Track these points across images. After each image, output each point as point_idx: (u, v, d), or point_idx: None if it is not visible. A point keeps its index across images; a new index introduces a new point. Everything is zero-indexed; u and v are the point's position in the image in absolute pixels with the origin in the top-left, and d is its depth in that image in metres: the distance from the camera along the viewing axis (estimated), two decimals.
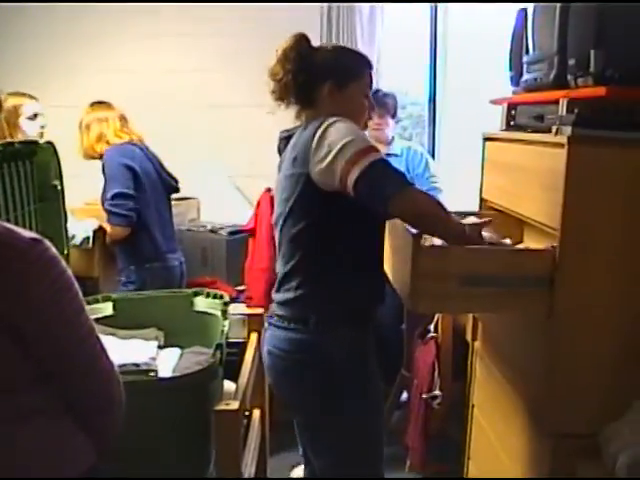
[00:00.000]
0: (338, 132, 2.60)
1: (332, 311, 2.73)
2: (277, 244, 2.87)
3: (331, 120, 2.64)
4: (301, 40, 2.82)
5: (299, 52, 2.79)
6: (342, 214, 2.66)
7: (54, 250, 1.74)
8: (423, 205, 2.51)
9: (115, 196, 4.28)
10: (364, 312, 2.83)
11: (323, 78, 2.78)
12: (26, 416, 1.76)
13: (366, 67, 2.87)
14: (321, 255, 2.73)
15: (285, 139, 2.89)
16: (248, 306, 4.43)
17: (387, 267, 2.90)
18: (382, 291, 2.82)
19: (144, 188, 4.40)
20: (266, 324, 2.93)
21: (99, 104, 4.54)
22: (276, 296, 2.82)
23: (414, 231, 2.50)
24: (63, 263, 1.75)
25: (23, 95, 4.52)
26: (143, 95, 5.63)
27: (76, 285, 1.78)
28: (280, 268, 2.82)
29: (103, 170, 4.38)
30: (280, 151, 2.95)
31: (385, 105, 5.17)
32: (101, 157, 4.43)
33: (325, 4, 5.95)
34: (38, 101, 4.58)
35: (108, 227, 4.38)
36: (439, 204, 2.53)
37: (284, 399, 2.88)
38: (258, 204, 4.83)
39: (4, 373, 1.72)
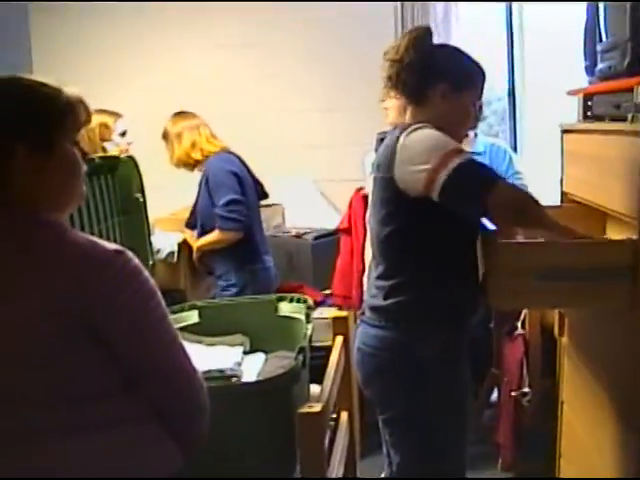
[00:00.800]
0: (422, 137, 2.61)
1: (427, 314, 2.74)
2: (370, 243, 2.92)
3: (416, 126, 2.65)
4: (428, 33, 2.80)
5: (425, 44, 2.78)
6: (433, 217, 2.66)
7: (137, 260, 1.79)
8: (517, 200, 2.51)
9: (229, 202, 4.39)
10: (459, 314, 2.82)
11: (440, 78, 2.76)
12: (115, 422, 1.81)
13: (481, 77, 2.87)
14: (415, 258, 2.73)
15: (381, 140, 2.88)
16: (339, 307, 4.48)
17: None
18: (476, 293, 2.80)
19: (247, 193, 4.50)
20: (358, 321, 2.94)
21: (182, 114, 4.62)
22: (369, 297, 2.85)
23: (492, 227, 2.49)
24: (146, 273, 1.80)
25: (112, 113, 4.62)
26: (224, 102, 5.69)
27: (159, 294, 1.83)
28: (373, 269, 2.85)
29: (206, 179, 4.48)
30: (377, 152, 2.94)
31: None
32: (195, 165, 4.53)
33: (399, 2, 5.95)
34: (123, 118, 4.68)
35: (218, 233, 4.45)
36: (531, 197, 2.52)
37: (370, 395, 2.90)
38: (350, 204, 4.83)
39: (93, 381, 1.78)
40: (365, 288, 2.97)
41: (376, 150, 2.97)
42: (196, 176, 4.67)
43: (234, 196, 4.38)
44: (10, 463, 1.75)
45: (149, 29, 6.35)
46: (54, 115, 1.83)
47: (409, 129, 2.63)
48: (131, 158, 3.49)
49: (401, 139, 2.62)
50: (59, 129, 1.84)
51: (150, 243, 3.59)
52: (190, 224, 4.78)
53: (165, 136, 4.58)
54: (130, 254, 1.79)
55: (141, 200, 3.49)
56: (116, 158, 3.50)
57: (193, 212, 4.71)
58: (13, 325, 1.70)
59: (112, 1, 6.17)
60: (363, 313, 2.87)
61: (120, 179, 3.40)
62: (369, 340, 2.79)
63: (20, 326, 1.70)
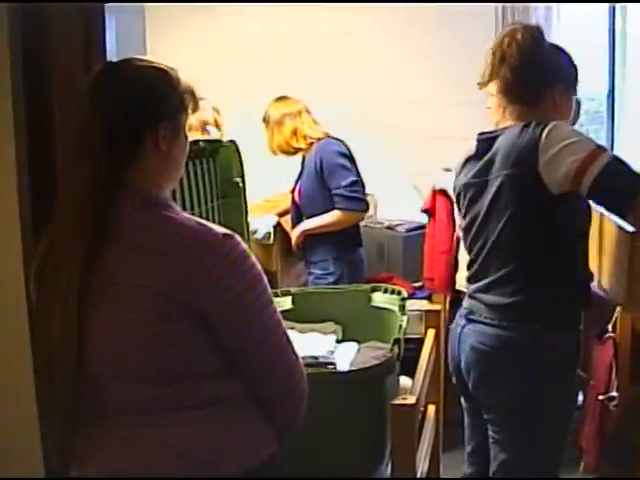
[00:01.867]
0: (568, 133, 2.61)
1: (550, 316, 2.75)
2: (468, 241, 2.92)
3: (555, 123, 2.64)
4: (541, 32, 2.82)
5: (543, 43, 2.80)
6: (566, 215, 2.69)
7: (244, 245, 1.83)
8: None
9: (353, 183, 4.44)
10: (577, 316, 2.85)
11: (558, 78, 2.79)
12: (214, 402, 1.85)
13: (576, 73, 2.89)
14: (543, 262, 2.74)
15: (486, 141, 2.85)
16: (430, 291, 4.49)
17: (593, 268, 2.86)
18: (589, 294, 2.82)
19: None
20: (461, 319, 2.97)
21: (283, 99, 4.63)
22: (485, 297, 2.84)
23: (631, 229, 2.47)
24: (253, 257, 1.84)
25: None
26: (319, 88, 5.68)
27: (265, 279, 1.87)
28: (488, 267, 2.83)
29: (320, 163, 4.48)
30: (478, 153, 2.89)
31: None
32: (296, 152, 4.58)
33: (500, 4, 5.91)
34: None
35: (341, 213, 4.47)
36: None
37: (483, 395, 2.91)
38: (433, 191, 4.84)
39: (195, 362, 1.82)
40: (464, 281, 2.96)
41: (477, 150, 2.90)
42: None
43: (355, 177, 4.42)
44: (122, 433, 1.82)
45: (260, 20, 6.39)
46: (182, 100, 1.90)
47: (549, 126, 2.61)
48: (233, 142, 3.53)
49: (543, 136, 2.60)
50: (184, 113, 1.91)
51: (248, 226, 3.63)
52: (293, 212, 4.79)
53: (266, 121, 4.59)
54: (238, 238, 1.83)
55: (240, 184, 3.53)
56: (218, 142, 3.54)
57: (294, 200, 4.72)
58: (125, 305, 1.76)
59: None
60: (471, 311, 2.89)
61: (221, 163, 3.45)
62: (488, 340, 2.80)
63: (130, 306, 1.75)
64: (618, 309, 3.98)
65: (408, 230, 5.45)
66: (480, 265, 2.87)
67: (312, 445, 2.39)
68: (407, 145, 6.05)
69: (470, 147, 2.92)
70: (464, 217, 2.93)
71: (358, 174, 4.48)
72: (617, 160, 2.55)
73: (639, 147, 5.85)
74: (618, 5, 5.96)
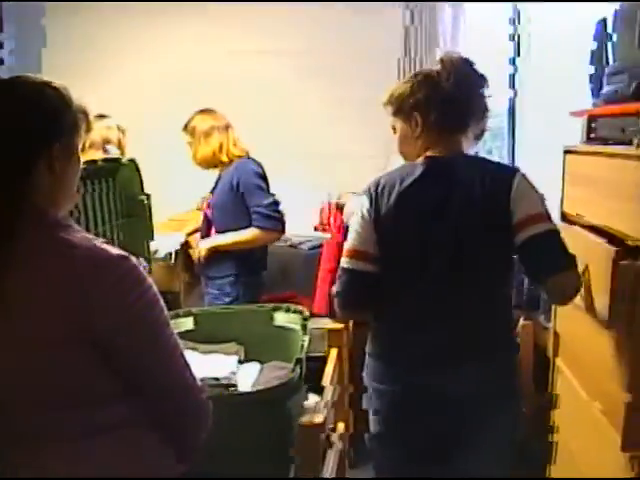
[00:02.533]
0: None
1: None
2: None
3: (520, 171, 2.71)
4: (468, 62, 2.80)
5: (470, 74, 2.77)
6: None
7: (141, 267, 1.79)
8: (579, 286, 2.62)
9: (273, 203, 4.42)
10: None
11: (482, 106, 2.80)
12: (109, 429, 1.80)
13: None
14: (506, 291, 2.87)
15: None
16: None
17: None
18: None
19: None
20: None
21: (210, 111, 4.58)
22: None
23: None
24: (150, 279, 1.80)
25: (106, 117, 4.62)
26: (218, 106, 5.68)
27: (162, 301, 1.83)
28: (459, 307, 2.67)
29: (237, 181, 4.42)
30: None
31: None
32: (217, 166, 4.54)
33: (407, 16, 5.97)
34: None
35: (258, 232, 4.41)
36: None
37: None
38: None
39: (89, 386, 1.77)
40: None
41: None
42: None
43: (274, 198, 4.41)
44: (16, 463, 1.76)
45: (162, 38, 6.33)
46: (76, 119, 1.86)
47: (520, 173, 2.69)
48: (132, 161, 3.48)
49: (521, 184, 2.63)
50: (78, 133, 1.86)
51: (148, 246, 3.59)
52: (204, 226, 4.72)
53: (190, 131, 4.52)
54: (134, 260, 1.79)
55: (145, 202, 3.48)
56: (117, 160, 3.49)
57: (205, 214, 4.67)
58: (22, 328, 1.70)
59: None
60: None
61: (122, 181, 3.40)
62: None
63: (28, 329, 1.70)
64: (520, 324, 4.04)
65: (310, 248, 5.44)
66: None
67: (216, 467, 2.35)
68: (308, 162, 6.05)
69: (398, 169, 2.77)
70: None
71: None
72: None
73: (539, 164, 5.96)
74: (522, 20, 6.06)
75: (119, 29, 6.26)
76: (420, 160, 2.69)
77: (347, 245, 2.67)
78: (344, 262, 2.65)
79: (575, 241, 2.73)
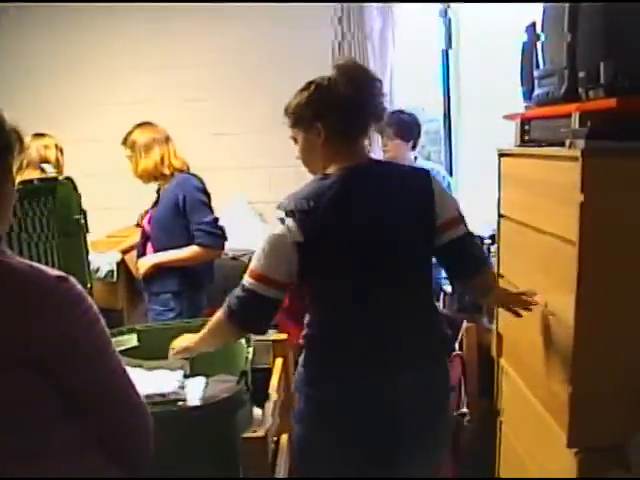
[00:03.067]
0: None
1: None
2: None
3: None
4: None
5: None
6: None
7: (79, 287, 1.78)
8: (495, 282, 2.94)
9: (215, 220, 4.38)
10: None
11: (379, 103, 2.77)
12: (57, 450, 1.79)
13: None
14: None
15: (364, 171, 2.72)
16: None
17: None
18: None
19: None
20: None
21: (149, 124, 4.52)
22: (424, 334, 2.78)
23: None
24: (89, 299, 1.78)
25: (48, 136, 4.59)
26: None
27: (102, 320, 1.82)
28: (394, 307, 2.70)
29: (182, 197, 4.37)
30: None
31: (390, 126, 5.23)
32: (158, 179, 4.48)
33: (337, 22, 6.00)
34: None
35: (199, 249, 4.36)
36: None
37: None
38: None
39: (34, 409, 1.75)
40: None
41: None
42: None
43: (215, 216, 4.38)
44: None
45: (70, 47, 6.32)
46: (8, 140, 1.83)
47: (432, 173, 2.73)
48: (69, 179, 3.46)
49: (440, 188, 2.71)
50: (11, 154, 1.83)
51: (89, 264, 3.56)
52: (142, 241, 4.67)
53: (129, 144, 4.47)
54: (73, 280, 1.77)
55: (82, 222, 3.46)
56: (54, 180, 3.47)
57: (144, 230, 4.63)
58: None
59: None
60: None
61: (60, 200, 3.37)
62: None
63: None
64: (464, 327, 4.07)
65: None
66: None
67: None
68: (246, 174, 6.08)
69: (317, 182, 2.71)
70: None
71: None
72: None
73: (476, 167, 6.03)
74: (454, 23, 6.12)
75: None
76: (334, 172, 2.66)
77: (256, 267, 2.61)
78: (248, 283, 2.61)
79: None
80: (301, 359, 2.77)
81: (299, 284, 2.69)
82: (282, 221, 2.58)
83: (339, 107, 2.63)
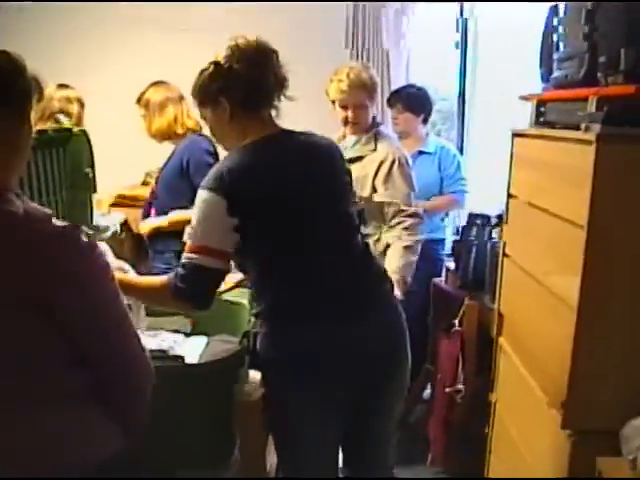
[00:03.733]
0: None
1: None
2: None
3: None
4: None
5: None
6: None
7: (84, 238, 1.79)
8: None
9: None
10: None
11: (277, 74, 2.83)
12: (58, 400, 1.81)
13: None
14: None
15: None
16: None
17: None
18: None
19: None
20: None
21: (164, 83, 4.51)
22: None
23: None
24: (99, 248, 1.81)
25: (69, 87, 4.59)
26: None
27: (112, 270, 1.84)
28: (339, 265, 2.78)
29: (187, 159, 4.36)
30: None
31: (400, 100, 5.27)
32: (172, 138, 4.48)
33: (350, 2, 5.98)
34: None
35: None
36: None
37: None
38: None
39: (39, 356, 1.77)
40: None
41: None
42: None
43: None
44: None
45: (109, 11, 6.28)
46: (28, 87, 1.84)
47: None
48: (83, 132, 3.46)
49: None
50: (29, 101, 1.85)
51: (92, 218, 3.57)
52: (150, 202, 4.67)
53: (144, 103, 4.46)
54: (83, 229, 1.79)
55: (90, 175, 3.46)
56: (68, 131, 3.46)
57: (153, 191, 4.63)
58: None
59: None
60: None
61: (71, 152, 3.37)
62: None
63: None
64: (465, 303, 4.08)
65: None
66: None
67: (161, 438, 2.37)
68: None
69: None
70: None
71: None
72: None
73: (488, 146, 6.03)
74: (470, 4, 6.09)
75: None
76: (248, 143, 2.72)
77: (196, 240, 2.61)
78: (193, 257, 2.58)
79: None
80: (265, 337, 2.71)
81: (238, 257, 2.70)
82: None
83: (238, 82, 2.69)
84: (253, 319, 2.85)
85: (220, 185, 2.57)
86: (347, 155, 3.38)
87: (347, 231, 2.81)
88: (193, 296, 2.61)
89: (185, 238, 2.63)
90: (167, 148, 4.50)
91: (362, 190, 4.09)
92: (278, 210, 2.65)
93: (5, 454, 1.74)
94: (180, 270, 2.60)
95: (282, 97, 2.78)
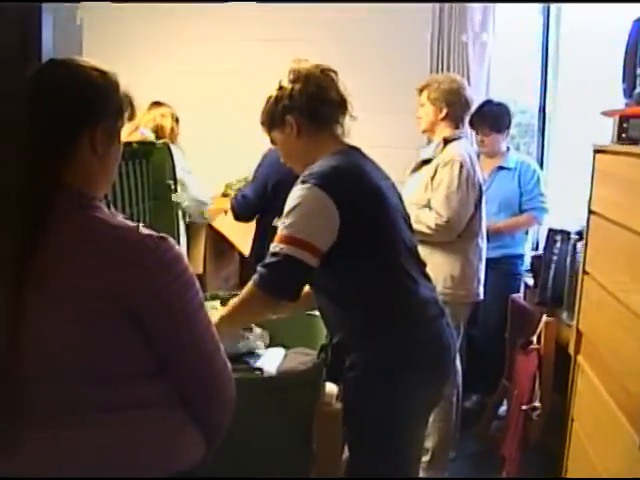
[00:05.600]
0: None
1: None
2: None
3: None
4: None
5: None
6: None
7: (178, 248, 1.83)
8: None
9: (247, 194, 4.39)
10: None
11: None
12: (143, 405, 1.84)
13: None
14: None
15: None
16: None
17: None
18: None
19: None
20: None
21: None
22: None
23: None
24: (186, 261, 1.84)
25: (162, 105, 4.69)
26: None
27: (197, 283, 1.87)
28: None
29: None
30: None
31: (484, 121, 5.24)
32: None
33: (437, 10, 5.97)
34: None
35: None
36: None
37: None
38: None
39: (128, 362, 1.81)
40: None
41: None
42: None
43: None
44: (48, 433, 1.79)
45: (184, 23, 6.36)
46: (120, 104, 1.91)
47: None
48: (166, 145, 3.52)
49: None
50: (121, 117, 1.91)
51: (178, 230, 3.62)
52: None
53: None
54: (172, 241, 1.83)
55: (172, 187, 3.52)
56: (152, 144, 3.53)
57: None
58: (57, 304, 1.73)
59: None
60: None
61: (154, 165, 3.44)
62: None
63: (64, 305, 1.73)
64: (543, 320, 4.05)
65: None
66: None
67: (239, 449, 2.38)
68: None
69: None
70: None
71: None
72: None
73: (568, 161, 5.97)
74: (553, 16, 6.04)
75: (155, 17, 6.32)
76: (335, 152, 2.77)
77: (295, 233, 2.58)
78: (288, 250, 2.56)
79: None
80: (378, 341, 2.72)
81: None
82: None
83: (302, 99, 2.76)
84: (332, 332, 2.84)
85: (326, 182, 2.60)
86: None
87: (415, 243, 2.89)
88: (279, 288, 2.60)
89: (280, 229, 2.62)
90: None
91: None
92: (379, 209, 2.71)
93: (92, 453, 1.78)
94: (271, 259, 2.59)
95: (347, 116, 2.84)
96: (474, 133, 5.35)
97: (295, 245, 2.55)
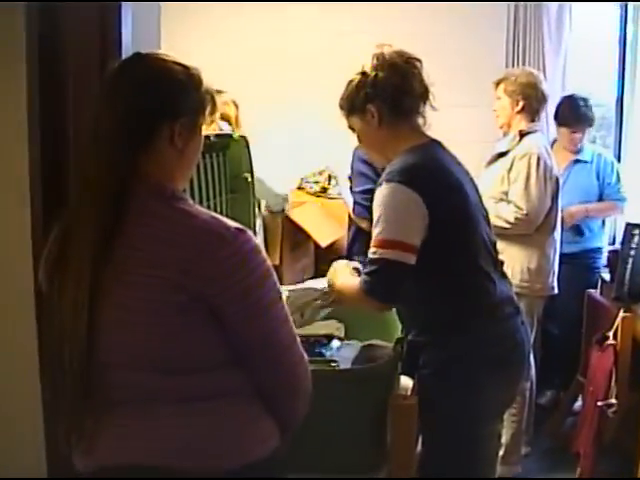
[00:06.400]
0: None
1: None
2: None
3: None
4: None
5: None
6: None
7: (256, 240, 1.85)
8: None
9: (366, 191, 4.25)
10: None
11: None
12: (220, 395, 1.86)
13: None
14: None
15: None
16: None
17: None
18: None
19: None
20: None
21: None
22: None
23: None
24: (264, 253, 1.86)
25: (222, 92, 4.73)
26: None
27: (275, 275, 1.88)
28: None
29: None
30: None
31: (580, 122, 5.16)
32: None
33: (512, 4, 5.93)
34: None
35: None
36: None
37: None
38: None
39: (203, 353, 1.83)
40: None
41: None
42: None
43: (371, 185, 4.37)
44: (126, 422, 1.84)
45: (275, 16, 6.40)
46: (202, 99, 1.94)
47: None
48: (243, 138, 3.53)
49: None
50: (202, 112, 1.94)
51: (254, 224, 3.63)
52: None
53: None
54: (250, 233, 1.85)
55: (249, 180, 3.53)
56: (229, 136, 3.54)
57: None
58: (138, 293, 1.77)
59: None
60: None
61: (231, 158, 3.45)
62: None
63: (144, 295, 1.77)
64: (620, 316, 4.01)
65: None
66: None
67: (313, 441, 2.40)
68: None
69: None
70: None
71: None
72: None
73: None
74: (631, 8, 5.96)
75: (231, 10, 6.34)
76: (416, 146, 2.75)
77: (388, 235, 2.58)
78: (385, 253, 2.56)
79: None
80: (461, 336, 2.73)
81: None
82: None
83: (385, 89, 2.73)
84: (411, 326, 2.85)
85: (411, 178, 2.60)
86: None
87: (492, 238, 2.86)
88: (385, 293, 2.62)
89: (374, 232, 2.63)
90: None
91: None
92: (462, 206, 2.71)
93: (169, 442, 1.82)
94: (371, 267, 2.60)
95: (428, 106, 2.82)
96: (563, 129, 5.24)
97: (391, 247, 2.57)
